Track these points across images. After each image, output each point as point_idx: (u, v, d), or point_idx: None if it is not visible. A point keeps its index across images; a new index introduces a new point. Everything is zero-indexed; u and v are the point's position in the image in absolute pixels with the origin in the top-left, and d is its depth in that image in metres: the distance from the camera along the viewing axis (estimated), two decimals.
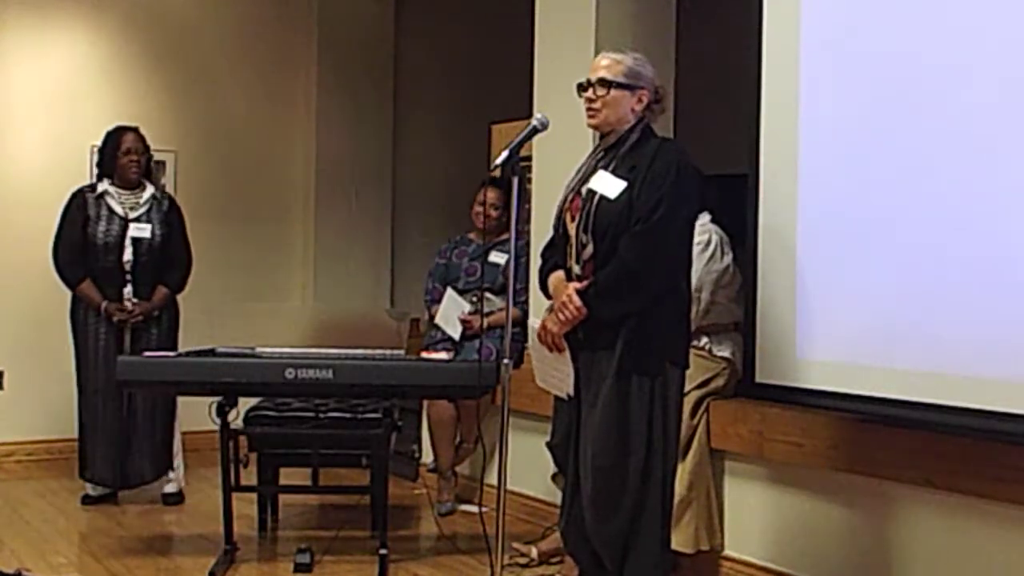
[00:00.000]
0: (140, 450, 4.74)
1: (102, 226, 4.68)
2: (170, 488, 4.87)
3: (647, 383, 2.90)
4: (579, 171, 3.12)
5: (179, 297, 4.88)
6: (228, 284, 5.85)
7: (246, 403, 4.13)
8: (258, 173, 6.46)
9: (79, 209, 4.72)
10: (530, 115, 4.19)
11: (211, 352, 3.88)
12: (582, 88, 3.05)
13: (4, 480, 5.31)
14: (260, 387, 3.83)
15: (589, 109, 3.02)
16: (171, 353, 4.03)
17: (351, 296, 6.58)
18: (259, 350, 3.85)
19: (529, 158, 4.45)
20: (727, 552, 3.73)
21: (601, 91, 3.00)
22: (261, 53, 6.44)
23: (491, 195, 4.93)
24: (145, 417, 4.73)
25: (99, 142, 4.88)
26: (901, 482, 3.15)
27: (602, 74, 3.01)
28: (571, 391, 3.04)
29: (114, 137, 4.79)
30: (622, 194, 2.91)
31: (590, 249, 2.95)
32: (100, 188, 4.76)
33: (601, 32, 4.24)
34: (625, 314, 2.89)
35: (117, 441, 4.69)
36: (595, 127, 3.06)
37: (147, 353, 4.39)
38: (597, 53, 3.33)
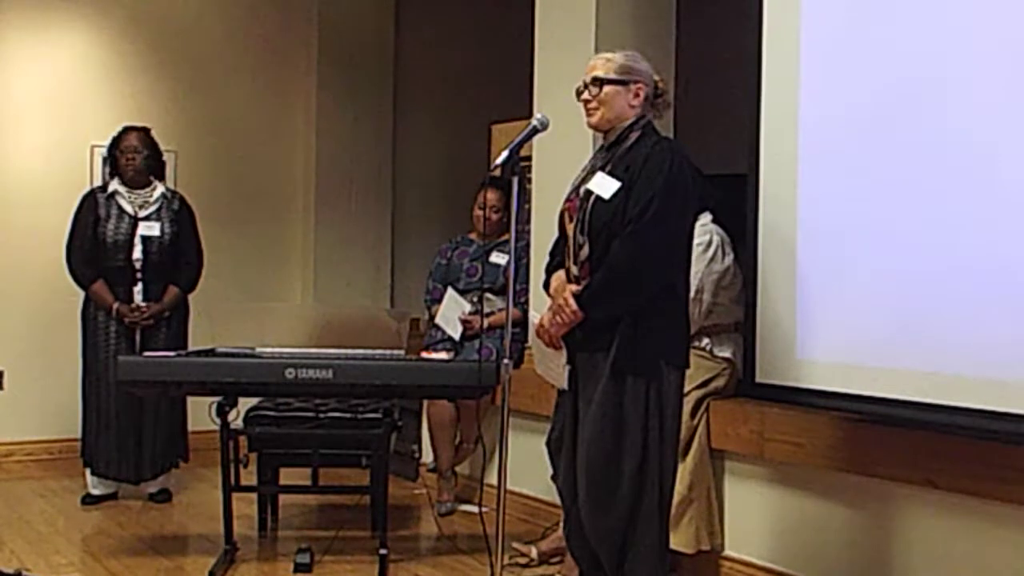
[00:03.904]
0: (146, 447, 4.76)
1: (111, 225, 4.72)
2: (155, 487, 4.88)
3: (642, 384, 2.89)
4: (583, 169, 3.13)
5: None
6: (228, 284, 5.85)
7: (246, 403, 4.13)
8: (258, 173, 6.45)
9: (90, 209, 4.78)
10: (530, 115, 4.19)
11: (211, 352, 3.88)
12: (579, 93, 3.06)
13: (4, 480, 5.31)
14: (260, 387, 3.83)
15: (587, 109, 3.05)
16: (171, 353, 4.03)
17: (351, 296, 6.58)
18: (259, 350, 3.85)
19: (529, 158, 4.45)
20: (727, 552, 3.73)
21: (595, 90, 3.02)
22: (261, 53, 6.44)
23: (491, 197, 4.93)
24: (151, 415, 4.75)
25: (99, 142, 4.88)
26: (901, 482, 3.15)
27: (595, 73, 3.03)
28: (565, 385, 3.06)
29: (117, 137, 4.86)
30: (616, 195, 2.91)
31: (586, 250, 2.96)
32: (111, 188, 4.82)
33: (601, 32, 4.24)
34: (619, 316, 2.90)
35: (128, 436, 4.71)
36: (594, 127, 3.07)
37: (147, 353, 4.40)
38: (597, 53, 3.33)
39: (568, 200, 3.07)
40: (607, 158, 3.03)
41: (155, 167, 4.89)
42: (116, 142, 4.84)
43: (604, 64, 3.04)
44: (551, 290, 3.10)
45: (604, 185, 2.95)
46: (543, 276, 3.21)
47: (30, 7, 5.76)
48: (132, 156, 4.79)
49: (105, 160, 4.96)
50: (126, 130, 4.87)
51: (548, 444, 3.75)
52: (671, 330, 2.98)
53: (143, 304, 4.71)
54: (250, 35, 6.40)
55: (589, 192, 2.98)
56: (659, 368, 2.92)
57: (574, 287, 2.96)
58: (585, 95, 3.04)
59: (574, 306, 2.92)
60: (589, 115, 3.05)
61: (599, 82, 3.02)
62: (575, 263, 3.01)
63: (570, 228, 3.03)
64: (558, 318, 2.96)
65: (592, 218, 2.93)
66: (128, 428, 4.72)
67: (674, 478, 3.04)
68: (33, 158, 5.77)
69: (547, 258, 3.23)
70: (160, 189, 4.86)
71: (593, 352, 2.97)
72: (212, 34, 6.29)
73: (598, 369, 2.94)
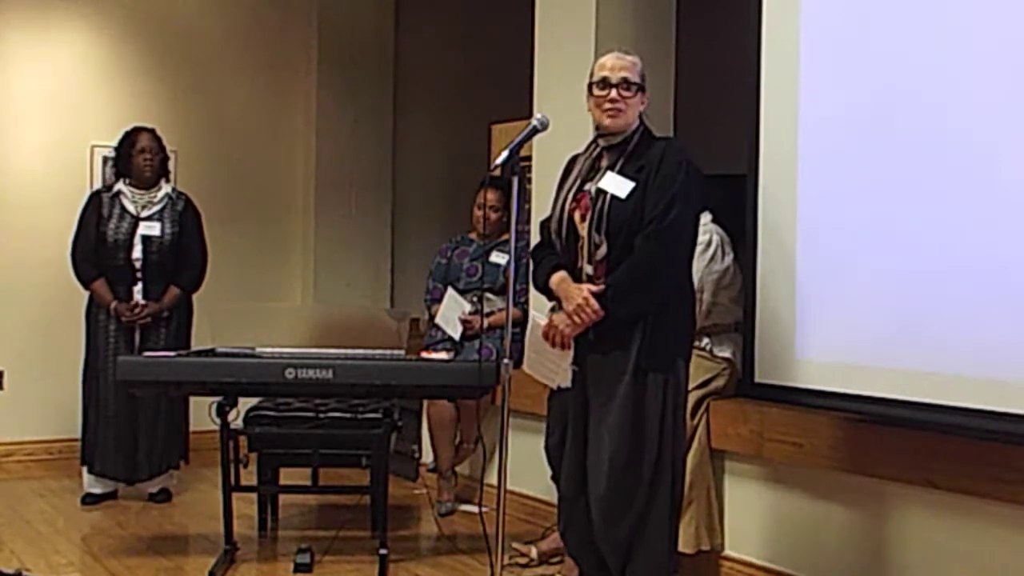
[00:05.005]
0: (143, 447, 4.76)
1: (113, 224, 4.74)
2: (154, 487, 4.88)
3: (660, 380, 2.94)
4: (575, 170, 3.12)
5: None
6: (228, 284, 5.85)
7: (246, 403, 4.13)
8: (258, 173, 6.45)
9: (94, 209, 4.80)
10: (530, 115, 4.19)
11: (211, 352, 3.88)
12: (598, 86, 3.03)
13: (4, 480, 5.32)
14: (260, 387, 3.83)
15: (612, 109, 3.02)
16: (171, 353, 4.03)
17: (351, 296, 6.58)
18: (259, 350, 3.85)
19: (529, 158, 4.45)
20: (727, 552, 3.73)
21: (627, 93, 3.02)
22: (261, 53, 6.44)
23: (491, 196, 4.93)
24: (150, 415, 4.75)
25: (99, 142, 4.86)
26: (901, 482, 3.15)
27: (626, 75, 3.03)
28: (564, 383, 3.06)
29: (129, 137, 4.87)
30: (632, 194, 2.93)
31: (604, 249, 2.96)
32: (116, 188, 4.84)
33: (601, 32, 4.24)
34: (641, 313, 2.91)
35: (126, 436, 4.72)
36: (613, 129, 3.04)
37: (147, 353, 4.40)
38: (597, 53, 3.33)
39: (577, 200, 3.06)
40: (613, 158, 3.04)
41: (164, 167, 4.90)
42: (130, 142, 4.83)
43: (632, 67, 3.05)
44: (557, 291, 3.07)
45: (618, 184, 2.96)
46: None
47: (30, 7, 5.76)
48: (150, 157, 4.81)
49: (107, 160, 4.96)
50: (138, 130, 4.88)
51: (547, 449, 3.75)
52: (684, 326, 3.05)
53: (141, 303, 4.71)
54: (250, 35, 6.40)
55: (601, 191, 2.98)
56: (676, 364, 2.99)
57: (591, 287, 2.96)
58: (613, 94, 3.01)
59: (596, 305, 2.92)
60: (614, 115, 3.02)
61: (631, 86, 3.02)
62: (589, 262, 3.01)
63: (582, 228, 3.03)
64: (577, 318, 2.96)
65: (610, 217, 2.94)
66: (126, 428, 4.73)
67: (684, 475, 3.06)
68: (33, 158, 5.77)
69: (533, 261, 3.22)
70: (165, 189, 4.87)
71: (608, 352, 2.98)
72: (212, 34, 6.29)
73: (616, 368, 2.95)
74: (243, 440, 4.10)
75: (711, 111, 5.24)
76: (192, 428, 4.95)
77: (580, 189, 3.06)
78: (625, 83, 3.01)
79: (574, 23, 4.34)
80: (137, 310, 4.69)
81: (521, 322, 4.45)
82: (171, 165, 5.00)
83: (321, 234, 6.56)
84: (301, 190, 6.62)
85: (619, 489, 2.94)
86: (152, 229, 4.74)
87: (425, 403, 4.99)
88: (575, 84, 3.14)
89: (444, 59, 6.92)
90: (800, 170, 3.30)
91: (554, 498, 3.54)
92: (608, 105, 3.02)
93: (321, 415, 4.14)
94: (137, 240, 4.73)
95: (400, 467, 5.32)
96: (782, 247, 3.35)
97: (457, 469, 4.95)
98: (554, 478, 3.65)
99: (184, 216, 4.85)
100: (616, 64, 3.04)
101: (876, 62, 3.08)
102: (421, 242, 6.66)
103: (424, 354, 4.29)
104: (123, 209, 4.77)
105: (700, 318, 3.69)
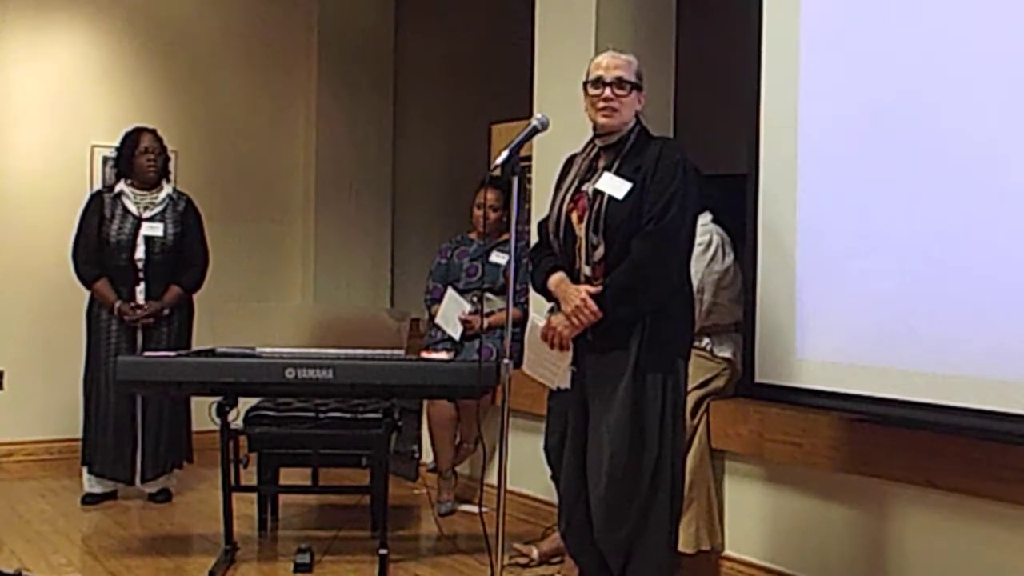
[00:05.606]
0: (147, 448, 4.76)
1: (115, 225, 4.74)
2: (155, 487, 4.88)
3: (660, 380, 2.94)
4: (573, 170, 3.12)
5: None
6: (228, 284, 5.85)
7: (246, 403, 4.13)
8: (258, 173, 6.46)
9: (96, 209, 4.80)
10: (530, 115, 4.19)
11: (211, 352, 3.88)
12: (593, 85, 3.03)
13: (4, 480, 5.31)
14: (260, 387, 3.83)
15: (606, 108, 3.02)
16: (171, 353, 4.03)
17: (351, 296, 6.59)
18: (259, 350, 3.85)
19: (529, 158, 4.45)
20: (727, 552, 3.73)
21: (621, 92, 3.01)
22: (261, 53, 6.45)
23: (490, 196, 4.93)
24: (153, 415, 4.75)
25: (99, 142, 4.84)
26: (901, 482, 3.16)
27: (620, 74, 3.02)
28: (563, 384, 3.06)
29: (132, 137, 4.86)
30: (629, 194, 2.93)
31: (601, 250, 2.96)
32: (117, 188, 4.84)
33: (601, 32, 4.24)
34: (640, 314, 2.91)
35: (127, 436, 4.72)
36: (609, 127, 3.04)
37: (147, 353, 4.41)
38: (597, 53, 3.33)
39: (575, 201, 3.06)
40: (610, 158, 3.04)
41: (166, 168, 4.91)
42: (133, 143, 4.82)
43: (627, 66, 3.04)
44: (555, 292, 3.07)
45: (615, 185, 2.96)
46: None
47: (30, 7, 5.76)
48: (153, 157, 4.81)
49: (107, 160, 4.96)
50: (141, 130, 4.87)
51: (547, 450, 3.75)
52: (684, 326, 3.05)
53: (143, 302, 4.72)
54: (250, 35, 6.41)
55: (598, 192, 2.98)
56: (676, 364, 2.99)
57: (590, 288, 2.96)
58: (607, 93, 3.01)
59: (594, 307, 2.92)
60: (609, 115, 3.02)
61: (626, 85, 3.02)
62: (587, 263, 3.01)
63: (580, 228, 3.03)
64: (575, 319, 2.96)
65: (607, 218, 2.94)
66: (127, 428, 4.73)
67: (684, 475, 3.06)
68: (33, 158, 5.77)
69: (531, 263, 3.22)
70: (167, 190, 4.87)
71: (607, 352, 2.98)
72: (212, 34, 6.29)
73: (616, 368, 2.95)
74: (243, 440, 4.09)
75: (711, 111, 5.24)
76: (193, 428, 4.95)
77: (577, 190, 3.06)
78: (619, 82, 3.01)
79: (574, 22, 4.35)
80: (140, 310, 4.70)
81: (521, 322, 4.45)
82: (171, 165, 5.00)
83: (321, 234, 6.57)
84: (301, 190, 6.63)
85: (619, 489, 2.94)
86: (155, 230, 4.75)
87: (425, 403, 4.99)
88: (575, 84, 3.13)
89: (444, 59, 6.93)
90: (800, 170, 3.29)
91: (554, 498, 3.55)
92: (602, 104, 3.02)
93: (321, 415, 4.14)
94: (140, 241, 4.73)
95: (400, 467, 5.32)
96: (782, 247, 3.35)
97: (457, 469, 4.95)
98: (554, 478, 3.66)
99: (186, 216, 4.86)
100: (611, 63, 3.04)
101: (876, 62, 3.08)
102: (421, 242, 6.67)
103: (424, 354, 4.29)
104: (125, 210, 4.77)
105: (700, 318, 3.69)
